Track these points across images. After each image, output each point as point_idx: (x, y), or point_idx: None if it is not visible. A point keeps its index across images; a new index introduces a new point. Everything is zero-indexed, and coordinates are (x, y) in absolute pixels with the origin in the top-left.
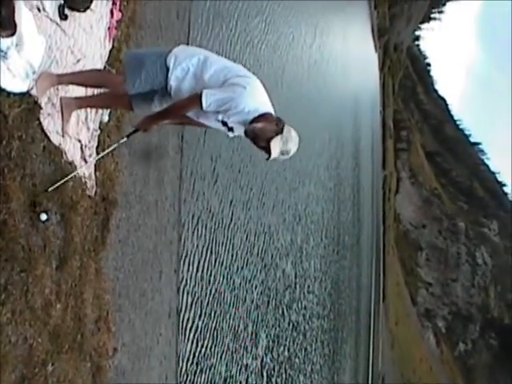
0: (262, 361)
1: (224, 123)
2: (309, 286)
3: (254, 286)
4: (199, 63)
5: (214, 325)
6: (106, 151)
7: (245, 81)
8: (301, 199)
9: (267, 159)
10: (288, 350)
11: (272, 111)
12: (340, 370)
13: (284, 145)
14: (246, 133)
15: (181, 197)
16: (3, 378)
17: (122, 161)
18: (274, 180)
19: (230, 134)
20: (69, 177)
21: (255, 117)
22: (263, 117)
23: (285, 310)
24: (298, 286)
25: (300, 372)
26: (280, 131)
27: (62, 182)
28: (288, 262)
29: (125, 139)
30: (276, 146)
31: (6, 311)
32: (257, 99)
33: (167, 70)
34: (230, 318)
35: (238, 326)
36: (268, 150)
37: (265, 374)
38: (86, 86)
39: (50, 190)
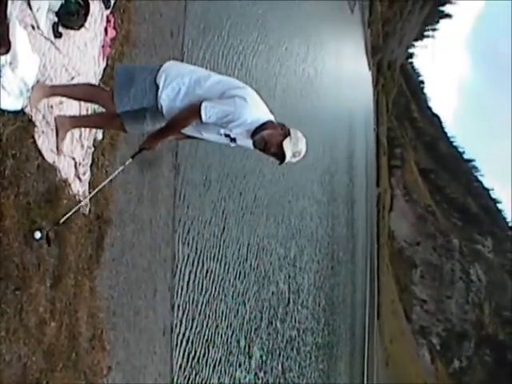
0: (256, 375)
1: (226, 135)
2: (303, 301)
3: (247, 301)
4: (191, 82)
5: (208, 342)
6: (113, 175)
7: (244, 92)
8: (294, 213)
9: (280, 163)
10: (282, 365)
11: (273, 118)
12: None
13: (295, 146)
14: (254, 143)
15: (175, 215)
16: None
17: (117, 179)
18: (267, 194)
19: (232, 145)
20: (77, 207)
21: (257, 126)
22: (266, 125)
23: (278, 324)
24: (291, 300)
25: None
26: (288, 133)
27: (71, 212)
28: (281, 276)
29: (130, 160)
30: (288, 147)
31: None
32: (257, 109)
33: (157, 88)
34: (224, 334)
35: (232, 341)
36: (280, 154)
37: None
38: (77, 99)
39: (61, 222)
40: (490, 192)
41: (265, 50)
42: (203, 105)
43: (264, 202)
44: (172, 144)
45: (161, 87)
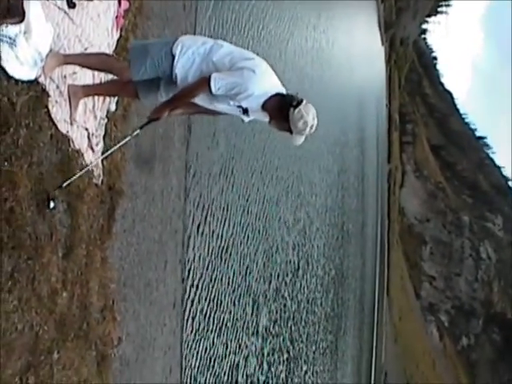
0: (264, 342)
1: (238, 106)
2: (312, 269)
3: (257, 272)
4: (205, 52)
5: (217, 314)
6: (121, 143)
7: (253, 64)
8: (304, 181)
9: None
10: (290, 333)
11: (283, 90)
12: (343, 358)
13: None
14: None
15: (186, 187)
16: (9, 366)
17: (129, 150)
18: (278, 162)
19: (246, 119)
20: (82, 171)
21: (266, 99)
22: (273, 98)
23: (287, 294)
24: (300, 268)
25: (302, 355)
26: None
27: (75, 177)
28: (290, 243)
29: (138, 131)
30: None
31: (12, 299)
32: (266, 82)
33: (173, 58)
34: (233, 307)
35: (242, 313)
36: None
37: (266, 359)
38: (91, 68)
39: (64, 186)
40: (502, 169)
41: (276, 17)
42: (212, 76)
43: (275, 171)
44: (184, 117)
45: (177, 57)
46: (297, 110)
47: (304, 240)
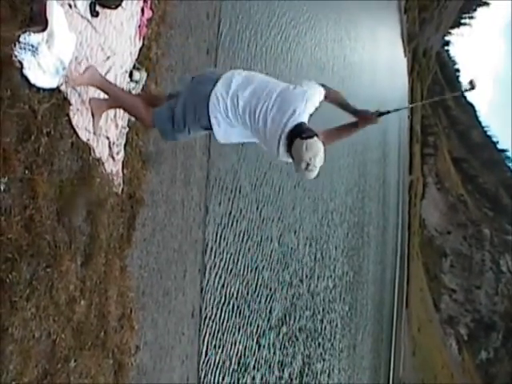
0: (282, 348)
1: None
2: (329, 267)
3: (277, 279)
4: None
5: (236, 325)
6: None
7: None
8: (323, 179)
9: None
10: (306, 337)
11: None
12: (362, 364)
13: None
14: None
15: (207, 197)
16: (26, 373)
17: (149, 159)
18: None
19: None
20: None
21: (292, 128)
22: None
23: (304, 298)
24: (316, 274)
25: (318, 355)
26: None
27: None
28: (307, 248)
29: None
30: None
31: (30, 306)
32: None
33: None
34: (252, 316)
35: (260, 322)
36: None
37: (282, 363)
38: (117, 103)
39: None
40: None
41: (300, 26)
42: None
43: (294, 177)
44: None
45: (215, 127)
46: (301, 142)
47: (321, 236)
